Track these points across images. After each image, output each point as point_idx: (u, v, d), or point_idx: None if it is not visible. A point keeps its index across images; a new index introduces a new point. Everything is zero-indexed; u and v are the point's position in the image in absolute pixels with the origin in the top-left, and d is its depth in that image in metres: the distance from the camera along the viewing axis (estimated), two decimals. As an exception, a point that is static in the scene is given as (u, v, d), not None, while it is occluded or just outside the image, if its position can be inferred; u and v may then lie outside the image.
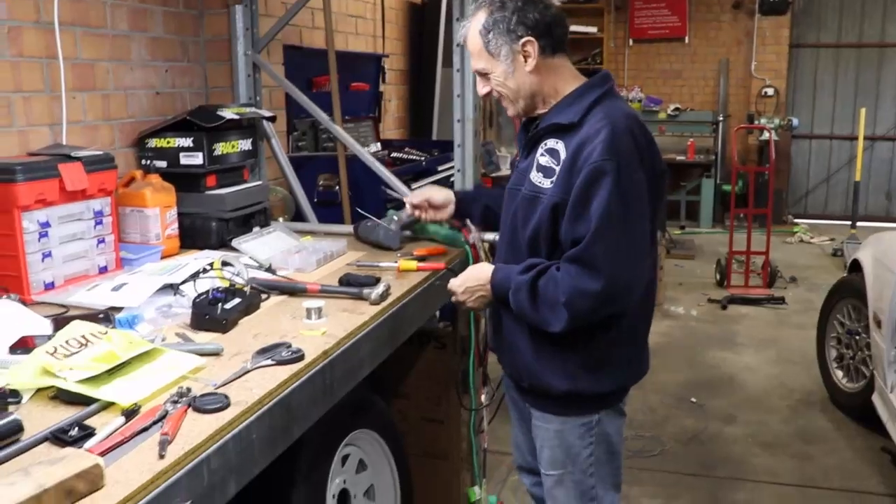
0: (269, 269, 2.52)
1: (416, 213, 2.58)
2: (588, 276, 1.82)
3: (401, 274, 2.51)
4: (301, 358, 1.79)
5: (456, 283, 2.12)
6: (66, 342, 1.75)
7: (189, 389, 1.61)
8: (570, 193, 1.85)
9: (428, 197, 2.53)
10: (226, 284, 2.26)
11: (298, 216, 3.40)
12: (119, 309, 2.13)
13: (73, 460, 1.30)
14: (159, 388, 1.64)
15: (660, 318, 5.72)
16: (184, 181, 2.84)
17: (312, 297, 2.23)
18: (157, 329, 1.98)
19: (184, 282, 2.28)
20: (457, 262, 2.58)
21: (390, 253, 2.75)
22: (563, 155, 1.90)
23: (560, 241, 1.90)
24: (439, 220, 2.58)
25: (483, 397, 2.90)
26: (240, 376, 1.71)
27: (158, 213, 2.71)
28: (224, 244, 2.79)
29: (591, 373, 1.99)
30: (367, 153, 3.24)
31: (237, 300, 2.08)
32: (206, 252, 2.70)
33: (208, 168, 2.83)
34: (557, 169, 1.90)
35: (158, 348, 1.79)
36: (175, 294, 2.23)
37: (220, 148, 2.87)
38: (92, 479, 1.28)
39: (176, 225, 2.78)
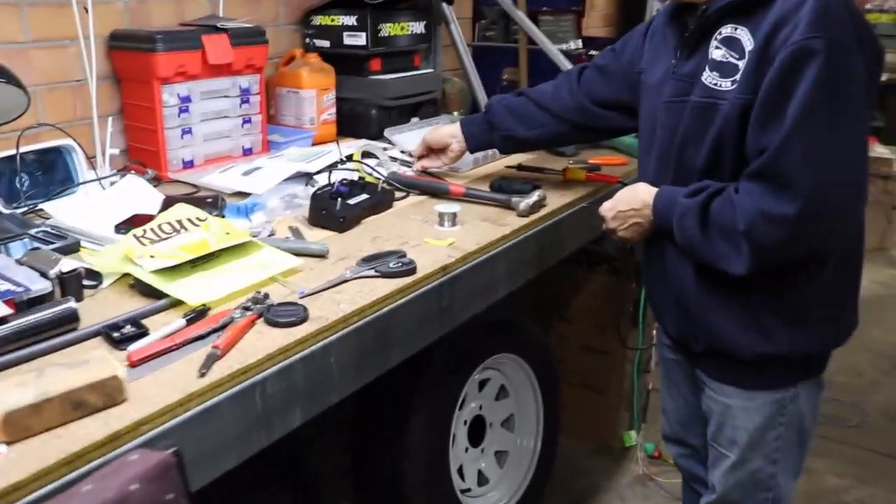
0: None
1: (421, 165, 2.10)
2: (778, 195, 1.33)
3: (566, 183, 2.11)
4: (411, 271, 1.47)
5: (606, 207, 1.69)
6: (159, 227, 1.54)
7: (267, 296, 1.34)
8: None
9: (427, 142, 2.07)
10: (362, 177, 1.98)
11: (475, 111, 3.04)
12: (246, 195, 1.90)
13: (94, 367, 1.06)
14: (238, 290, 1.39)
15: (883, 264, 4.82)
16: (346, 63, 2.56)
17: (456, 200, 1.90)
18: (269, 221, 1.73)
19: (319, 171, 2.01)
20: (634, 178, 2.13)
21: (562, 159, 2.35)
22: (748, 45, 1.39)
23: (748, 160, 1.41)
24: (440, 167, 2.09)
25: (655, 333, 2.47)
26: (334, 286, 1.42)
27: (314, 95, 2.45)
28: (380, 133, 2.51)
29: (792, 330, 1.50)
30: (555, 48, 2.79)
31: (364, 196, 1.79)
32: (364, 142, 2.43)
33: (372, 50, 2.53)
34: (742, 64, 1.39)
35: (255, 242, 1.53)
36: (307, 184, 1.97)
37: (388, 29, 2.55)
38: (108, 393, 1.04)
39: (333, 110, 2.52)
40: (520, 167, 2.16)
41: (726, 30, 1.41)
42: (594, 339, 2.71)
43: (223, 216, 1.70)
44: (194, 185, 2.02)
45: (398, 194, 1.94)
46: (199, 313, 1.30)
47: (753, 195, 1.36)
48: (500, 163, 2.29)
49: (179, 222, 1.57)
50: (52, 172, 1.90)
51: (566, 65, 2.69)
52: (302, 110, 2.47)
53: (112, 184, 1.93)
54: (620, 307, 2.58)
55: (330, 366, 1.29)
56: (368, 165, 2.03)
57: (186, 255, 1.44)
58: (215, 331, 1.25)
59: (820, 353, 1.59)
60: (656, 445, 2.70)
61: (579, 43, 3.90)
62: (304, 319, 1.28)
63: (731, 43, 1.40)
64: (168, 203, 1.70)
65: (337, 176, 1.97)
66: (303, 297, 1.37)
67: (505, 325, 2.20)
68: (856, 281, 1.58)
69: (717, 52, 1.41)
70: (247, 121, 2.26)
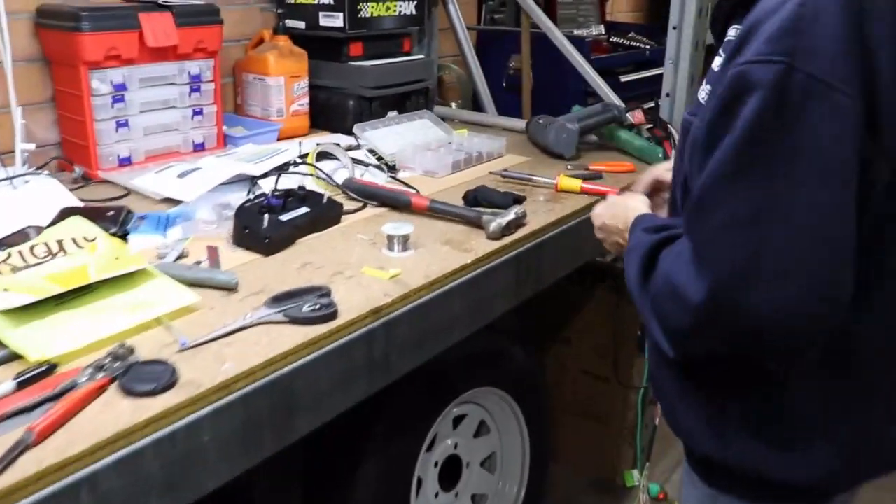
0: (391, 168, 1.89)
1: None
2: (693, 268, 0.91)
3: (558, 194, 1.78)
4: (330, 317, 1.15)
5: (596, 212, 1.33)
6: (31, 248, 1.25)
7: (131, 350, 1.04)
8: None
9: (657, 177, 1.39)
10: (315, 184, 1.67)
11: (476, 103, 2.71)
12: (177, 202, 1.61)
13: None
14: (103, 338, 1.09)
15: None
16: (323, 47, 2.25)
17: (418, 213, 1.58)
18: (185, 238, 1.43)
19: (263, 175, 1.71)
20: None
21: (560, 163, 2.01)
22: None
23: None
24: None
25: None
26: (227, 334, 1.11)
27: (283, 83, 2.15)
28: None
29: (758, 440, 1.03)
30: (560, 32, 2.44)
31: (302, 210, 1.48)
32: (335, 138, 2.12)
33: (350, 33, 2.20)
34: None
35: (148, 271, 1.23)
36: (249, 190, 1.67)
37: (370, 9, 2.22)
38: None
39: (305, 100, 2.21)
40: (505, 174, 1.82)
41: (731, 32, 1.03)
42: (595, 364, 2.38)
43: (125, 233, 1.40)
44: (125, 188, 1.73)
45: (353, 205, 1.62)
46: (41, 372, 1.00)
47: (679, 254, 0.95)
48: (486, 166, 1.96)
49: (61, 242, 1.28)
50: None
51: (572, 52, 2.34)
52: (268, 100, 2.16)
53: (27, 183, 1.65)
54: (621, 331, 2.24)
55: (203, 446, 0.99)
56: (321, 170, 1.72)
57: (52, 287, 1.14)
58: (49, 400, 0.95)
59: (811, 482, 1.04)
60: (661, 486, 2.37)
61: (601, 28, 3.54)
62: (168, 386, 0.98)
63: (729, 48, 0.99)
64: (63, 215, 1.41)
65: (288, 181, 1.66)
66: (183, 349, 1.07)
67: (484, 356, 1.88)
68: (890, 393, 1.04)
69: (716, 60, 1.05)
70: (197, 112, 1.95)
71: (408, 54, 2.42)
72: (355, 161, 1.83)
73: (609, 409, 2.39)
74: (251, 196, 1.51)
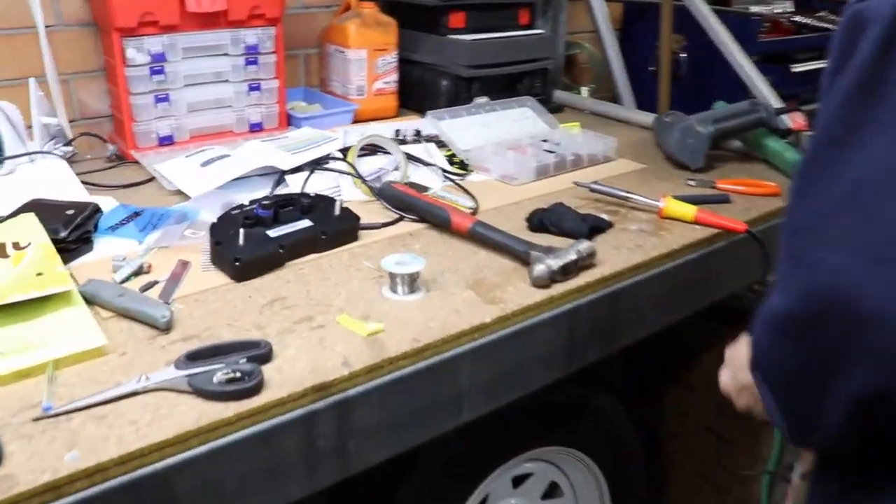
0: (462, 167, 1.54)
1: None
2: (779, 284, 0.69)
3: (661, 222, 1.35)
4: (243, 394, 0.84)
5: (723, 382, 0.97)
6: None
7: (-40, 419, 0.78)
8: None
9: None
10: (355, 186, 1.36)
11: (610, 89, 2.27)
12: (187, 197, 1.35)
13: None
14: None
15: None
16: (419, 17, 1.92)
17: (457, 235, 1.23)
18: (147, 251, 1.16)
19: (295, 169, 1.41)
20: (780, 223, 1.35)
21: (680, 176, 1.57)
22: None
23: None
24: None
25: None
26: (108, 401, 0.82)
27: (364, 57, 1.84)
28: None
29: None
30: (706, 7, 1.93)
31: (301, 224, 1.17)
32: (425, 121, 1.79)
33: (450, 1, 1.86)
34: None
35: (69, 296, 0.98)
36: (272, 189, 1.38)
37: (476, -28, 1.86)
38: None
39: (394, 77, 1.90)
40: (594, 187, 1.41)
41: None
42: (718, 421, 1.91)
43: (85, 238, 1.15)
44: (151, 173, 1.50)
45: (388, 216, 1.29)
46: None
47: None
48: (583, 174, 1.55)
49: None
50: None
51: (717, 31, 1.86)
52: (348, 75, 1.87)
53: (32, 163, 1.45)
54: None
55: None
56: (354, 171, 1.39)
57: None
58: None
59: None
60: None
61: (787, 6, 2.93)
62: (-29, 484, 0.70)
63: None
64: (24, 210, 1.18)
65: (322, 180, 1.36)
66: (40, 418, 0.80)
67: (550, 409, 1.50)
68: None
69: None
70: (254, 87, 1.69)
71: (526, 27, 2.03)
72: (411, 158, 1.49)
73: (729, 478, 1.92)
74: (238, 204, 1.21)
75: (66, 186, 1.38)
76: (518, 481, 1.59)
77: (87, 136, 1.64)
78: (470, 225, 1.21)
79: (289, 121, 1.76)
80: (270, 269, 1.11)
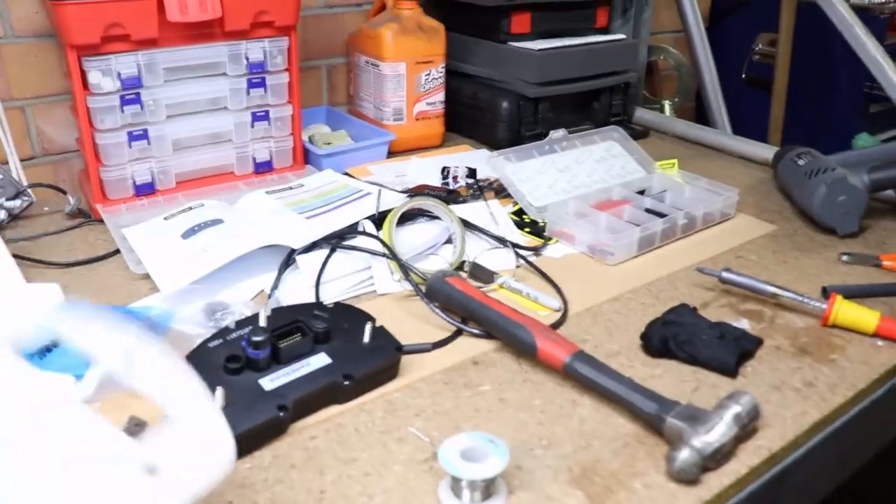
0: (535, 232, 1.13)
1: None
2: None
3: (826, 333, 0.94)
4: None
5: None
6: None
7: None
8: None
9: None
10: (392, 269, 0.95)
11: (698, 102, 1.84)
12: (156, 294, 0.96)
13: None
14: None
15: None
16: (472, 19, 1.51)
17: (549, 369, 0.82)
18: (103, 389, 0.77)
19: (305, 249, 1.01)
20: None
21: (827, 245, 1.15)
22: None
23: None
24: None
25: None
26: None
27: (403, 72, 1.43)
28: (519, 139, 1.44)
29: None
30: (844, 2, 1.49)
31: (308, 364, 0.77)
32: (481, 155, 1.38)
33: (512, 0, 1.44)
34: None
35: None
36: (278, 276, 0.98)
37: (545, -36, 1.44)
38: None
39: (440, 96, 1.49)
40: (725, 276, 0.99)
41: None
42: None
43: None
44: (120, 241, 1.10)
45: (439, 327, 0.89)
46: None
47: None
48: (697, 245, 1.14)
49: None
50: None
51: (851, 28, 1.41)
52: (382, 95, 1.46)
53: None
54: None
55: None
56: (392, 255, 0.98)
57: None
58: None
59: None
60: None
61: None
62: None
63: None
64: None
65: (340, 265, 0.96)
66: None
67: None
68: None
69: None
70: (260, 116, 1.29)
71: (602, 31, 1.61)
72: (469, 226, 1.08)
73: None
74: (225, 326, 0.81)
75: (-5, 270, 0.99)
76: None
77: (44, 186, 1.25)
78: (566, 359, 0.80)
79: (306, 157, 1.36)
80: (266, 441, 0.71)
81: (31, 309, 0.83)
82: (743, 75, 1.97)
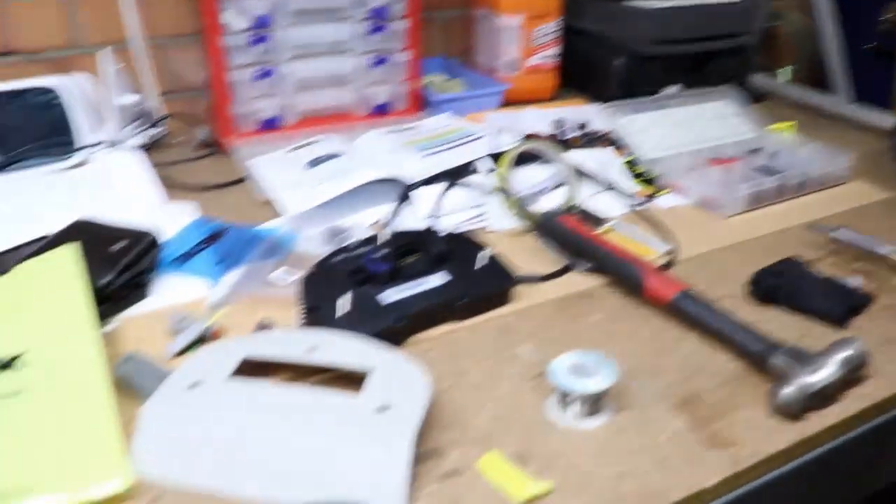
0: (646, 182, 1.14)
1: None
2: None
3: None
4: None
5: None
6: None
7: None
8: None
9: None
10: (505, 207, 0.99)
11: (818, 69, 1.79)
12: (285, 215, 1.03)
13: None
14: None
15: None
16: (590, -24, 1.51)
17: (653, 304, 0.84)
18: (216, 307, 0.83)
19: (424, 182, 1.06)
20: None
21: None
22: None
23: None
24: None
25: None
26: None
27: (519, 24, 1.45)
28: (631, 94, 1.44)
29: None
30: None
31: (426, 283, 0.81)
32: (591, 110, 1.40)
33: (632, -44, 1.44)
34: None
35: (92, 397, 0.66)
36: (396, 208, 1.03)
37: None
38: None
39: (555, 50, 1.51)
40: (834, 235, 0.98)
41: None
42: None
43: (137, 281, 0.83)
44: (246, 170, 1.18)
45: (548, 261, 0.92)
46: None
47: None
48: (809, 204, 1.13)
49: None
50: (48, 126, 1.17)
51: None
52: (496, 47, 1.49)
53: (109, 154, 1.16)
54: None
55: None
56: (507, 193, 1.02)
57: None
58: None
59: None
60: None
61: None
62: None
63: None
64: (69, 233, 0.87)
65: (458, 196, 1.00)
66: None
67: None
68: None
69: None
70: (380, 60, 1.34)
71: (722, -9, 1.58)
72: (581, 173, 1.10)
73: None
74: (342, 246, 0.86)
75: (137, 187, 1.08)
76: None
77: (178, 117, 1.34)
78: (673, 296, 0.82)
79: (422, 102, 1.40)
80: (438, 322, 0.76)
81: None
82: (868, 45, 1.90)
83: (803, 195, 1.15)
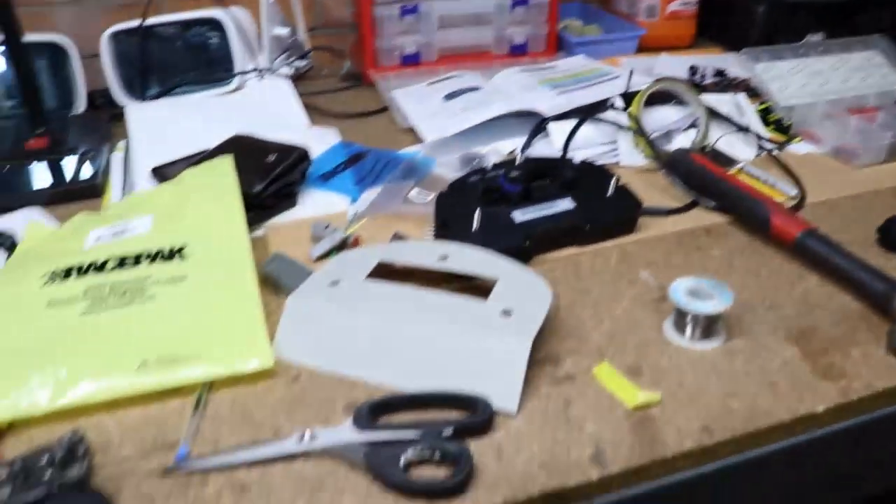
0: (780, 130, 1.13)
1: None
2: None
3: None
4: (451, 490, 0.55)
5: None
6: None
7: (78, 450, 0.57)
8: None
9: None
10: (636, 145, 1.01)
11: None
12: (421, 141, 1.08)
13: None
14: (80, 400, 0.63)
15: None
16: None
17: (778, 245, 0.85)
18: (356, 220, 0.90)
19: (558, 117, 1.08)
20: None
21: None
22: None
23: None
24: None
25: None
26: (257, 463, 0.58)
27: (660, -30, 1.44)
28: (772, 42, 1.41)
29: None
30: None
31: (555, 206, 0.85)
32: (730, 59, 1.38)
33: None
34: None
35: (242, 288, 0.74)
36: (528, 140, 1.07)
37: None
38: None
39: (693, -1, 1.49)
40: None
41: None
42: None
43: (286, 191, 0.91)
44: (386, 101, 1.24)
45: (676, 198, 0.94)
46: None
47: None
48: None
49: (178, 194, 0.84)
50: (211, 54, 1.28)
51: None
52: (636, -7, 1.48)
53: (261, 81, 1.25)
54: None
55: None
56: (639, 127, 1.03)
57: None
58: None
59: None
60: None
61: None
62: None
63: None
64: (226, 147, 0.96)
65: (591, 132, 1.03)
66: (171, 470, 0.57)
67: None
68: None
69: None
70: (521, 1, 1.36)
71: (882, -61, 1.51)
72: (714, 115, 1.10)
73: None
74: (478, 168, 0.91)
75: (286, 112, 1.16)
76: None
77: (324, 51, 1.41)
78: (798, 234, 0.82)
79: (559, 44, 1.42)
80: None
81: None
82: None
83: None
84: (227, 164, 0.89)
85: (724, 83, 1.24)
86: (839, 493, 0.73)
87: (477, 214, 0.79)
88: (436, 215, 0.83)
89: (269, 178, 0.87)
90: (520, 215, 0.82)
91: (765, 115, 1.17)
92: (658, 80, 1.08)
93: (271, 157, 0.90)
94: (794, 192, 0.96)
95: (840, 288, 0.79)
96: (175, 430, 0.61)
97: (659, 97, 1.11)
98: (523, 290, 0.69)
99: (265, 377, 0.67)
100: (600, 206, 0.85)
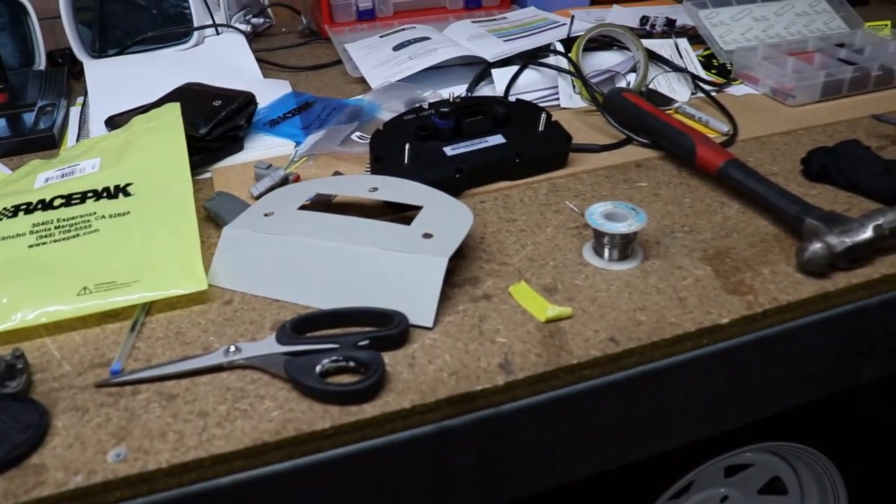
0: (721, 74, 1.15)
1: None
2: None
3: None
4: (361, 395, 0.58)
5: None
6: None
7: (17, 366, 0.60)
8: None
9: None
10: (579, 90, 1.03)
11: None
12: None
13: None
14: (31, 321, 0.66)
15: None
16: None
17: (704, 176, 0.87)
18: (295, 160, 0.92)
19: (503, 62, 1.10)
20: None
21: None
22: None
23: None
24: None
25: None
26: (184, 374, 0.61)
27: (613, -77, 1.44)
28: None
29: None
30: None
31: (486, 141, 0.87)
32: (678, 7, 1.40)
33: None
34: None
35: (181, 219, 0.76)
36: (472, 84, 1.09)
37: None
38: None
39: (646, -49, 1.49)
40: (886, 118, 0.97)
41: None
42: None
43: (233, 136, 0.93)
44: (339, 54, 1.26)
45: (610, 136, 0.96)
46: None
47: None
48: (879, 100, 1.11)
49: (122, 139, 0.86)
50: (170, 14, 1.29)
51: None
52: (590, -54, 1.48)
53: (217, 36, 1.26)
54: None
55: None
56: (576, 69, 1.05)
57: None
58: None
59: None
60: None
61: None
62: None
63: None
64: (174, 95, 0.98)
65: (535, 79, 1.05)
66: (104, 384, 0.60)
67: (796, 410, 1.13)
68: None
69: None
70: (473, -45, 1.37)
71: None
72: (654, 57, 1.12)
73: None
74: (412, 109, 0.93)
75: (240, 66, 1.17)
76: (732, 470, 1.26)
77: (284, 7, 1.42)
78: (721, 163, 0.84)
79: (512, -1, 1.44)
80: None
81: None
82: None
83: (881, 90, 1.12)
84: (174, 109, 0.90)
85: (671, 30, 1.26)
86: (752, 405, 0.76)
87: (407, 147, 0.81)
88: (371, 151, 0.85)
89: (214, 121, 0.89)
90: (451, 150, 0.84)
91: (708, 60, 1.18)
92: (598, 26, 1.09)
93: (217, 102, 0.92)
94: (725, 128, 0.98)
95: (759, 214, 0.82)
96: (112, 351, 0.64)
97: (606, 44, 1.13)
98: (446, 215, 0.72)
99: (200, 301, 0.69)
100: (530, 141, 0.87)
